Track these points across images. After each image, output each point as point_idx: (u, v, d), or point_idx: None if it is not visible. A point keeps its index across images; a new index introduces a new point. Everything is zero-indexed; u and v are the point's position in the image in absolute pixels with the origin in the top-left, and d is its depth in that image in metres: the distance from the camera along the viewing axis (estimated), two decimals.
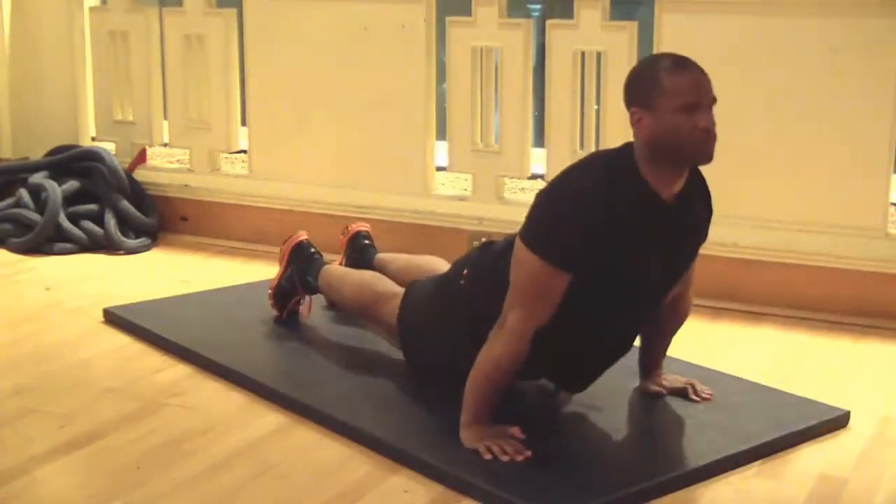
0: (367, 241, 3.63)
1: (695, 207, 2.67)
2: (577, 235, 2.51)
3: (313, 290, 3.40)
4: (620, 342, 2.76)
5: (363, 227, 3.68)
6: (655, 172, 2.55)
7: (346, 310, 3.40)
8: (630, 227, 2.54)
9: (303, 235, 3.48)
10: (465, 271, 2.85)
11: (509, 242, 2.73)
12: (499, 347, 2.58)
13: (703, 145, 2.51)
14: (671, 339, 2.96)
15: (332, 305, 3.52)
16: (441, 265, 3.31)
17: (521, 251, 2.57)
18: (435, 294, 2.96)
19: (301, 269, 3.40)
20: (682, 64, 2.53)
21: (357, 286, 3.26)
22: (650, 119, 2.51)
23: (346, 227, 3.68)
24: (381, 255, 3.56)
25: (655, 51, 3.74)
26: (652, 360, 2.95)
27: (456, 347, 2.79)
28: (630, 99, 2.56)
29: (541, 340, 2.57)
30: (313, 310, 3.49)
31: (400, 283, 3.19)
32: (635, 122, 2.54)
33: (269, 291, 3.47)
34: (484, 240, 3.12)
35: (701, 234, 2.74)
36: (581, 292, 2.54)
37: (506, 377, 2.61)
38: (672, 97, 2.49)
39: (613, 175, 2.55)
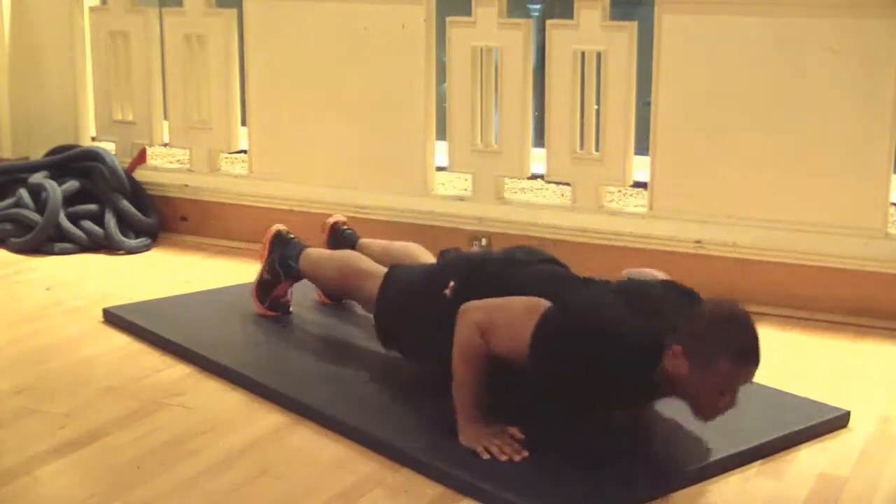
0: (347, 229, 3.67)
1: None
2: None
3: (296, 273, 3.43)
4: None
5: (338, 217, 3.73)
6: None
7: (329, 288, 3.47)
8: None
9: (279, 226, 3.53)
10: (452, 283, 2.86)
11: (504, 259, 2.83)
12: (464, 331, 2.62)
13: (712, 413, 2.54)
14: None
15: (325, 297, 3.57)
16: (418, 251, 3.40)
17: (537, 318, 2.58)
18: (418, 293, 2.98)
19: (282, 253, 3.45)
20: (747, 357, 2.50)
21: (338, 263, 3.33)
22: (687, 370, 2.47)
23: (323, 223, 3.72)
24: (362, 240, 3.60)
25: (655, 51, 3.75)
26: None
27: (429, 349, 2.85)
28: (686, 342, 2.48)
29: None
30: (311, 309, 3.51)
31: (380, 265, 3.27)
32: (672, 356, 2.48)
33: (253, 288, 3.51)
34: (484, 241, 3.10)
35: None
36: None
37: (481, 352, 2.62)
38: (721, 382, 2.48)
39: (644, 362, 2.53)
